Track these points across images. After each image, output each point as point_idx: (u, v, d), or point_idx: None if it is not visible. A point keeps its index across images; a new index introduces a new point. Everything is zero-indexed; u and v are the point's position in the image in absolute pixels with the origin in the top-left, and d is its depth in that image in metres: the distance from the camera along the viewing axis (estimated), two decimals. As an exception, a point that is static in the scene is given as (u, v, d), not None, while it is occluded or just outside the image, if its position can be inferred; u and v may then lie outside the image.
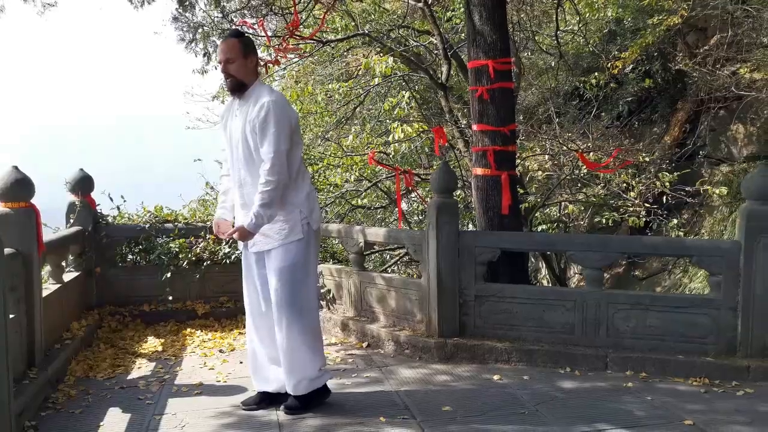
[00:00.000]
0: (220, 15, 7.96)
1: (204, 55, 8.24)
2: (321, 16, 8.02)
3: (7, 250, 3.45)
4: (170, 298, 5.85)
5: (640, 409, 3.55)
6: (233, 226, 3.50)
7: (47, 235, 4.66)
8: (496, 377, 4.14)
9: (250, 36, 4.58)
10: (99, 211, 5.88)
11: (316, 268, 3.70)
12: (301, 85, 10.12)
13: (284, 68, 10.04)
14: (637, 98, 9.73)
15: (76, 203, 5.60)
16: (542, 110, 9.88)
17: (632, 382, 4.01)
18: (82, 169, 5.75)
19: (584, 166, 7.88)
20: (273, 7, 7.92)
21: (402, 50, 8.55)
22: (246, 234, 3.38)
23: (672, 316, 4.26)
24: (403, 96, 8.74)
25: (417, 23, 9.53)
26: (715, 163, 8.93)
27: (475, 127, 5.21)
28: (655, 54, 9.37)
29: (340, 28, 9.02)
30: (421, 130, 8.87)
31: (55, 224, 5.49)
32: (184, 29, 8.08)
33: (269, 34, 7.85)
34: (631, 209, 7.92)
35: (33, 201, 4.01)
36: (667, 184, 7.73)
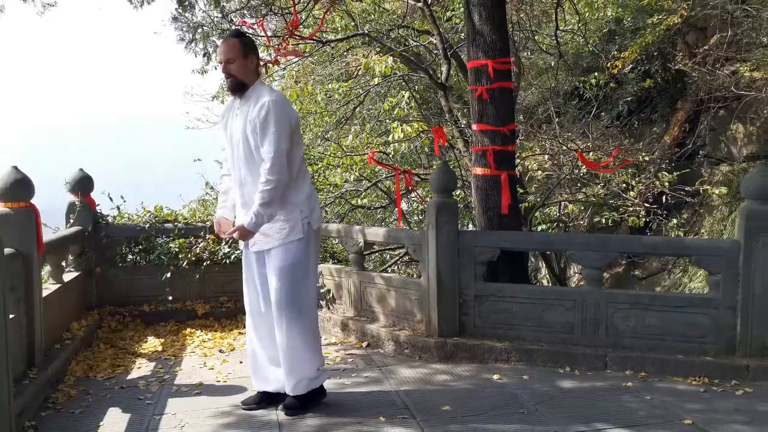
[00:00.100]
0: (220, 15, 7.96)
1: (204, 55, 8.24)
2: (320, 16, 8.02)
3: (7, 250, 3.46)
4: (170, 298, 5.85)
5: (640, 409, 3.56)
6: (234, 226, 3.50)
7: (47, 235, 4.66)
8: (495, 377, 4.14)
9: (251, 36, 4.57)
10: (99, 211, 5.88)
11: (316, 268, 3.70)
12: (300, 85, 10.13)
13: (284, 68, 10.04)
14: (636, 98, 9.73)
15: (76, 203, 5.60)
16: (542, 110, 9.89)
17: (632, 381, 4.02)
18: (81, 169, 5.75)
19: (584, 166, 7.89)
20: (272, 7, 7.92)
21: (402, 50, 8.55)
22: (246, 233, 3.39)
23: (671, 315, 4.26)
24: (403, 96, 8.74)
25: (417, 23, 9.53)
26: (714, 162, 8.94)
27: (474, 126, 5.22)
28: (655, 54, 9.37)
29: (339, 28, 9.03)
30: (420, 129, 8.88)
31: (55, 224, 5.50)
32: (184, 29, 8.09)
33: (269, 34, 7.86)
34: (631, 209, 7.93)
35: (33, 201, 4.01)
36: (667, 183, 7.74)
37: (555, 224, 9.14)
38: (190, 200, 7.81)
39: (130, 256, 6.01)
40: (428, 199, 7.26)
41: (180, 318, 5.79)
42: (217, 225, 3.64)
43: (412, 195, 9.55)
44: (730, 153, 8.80)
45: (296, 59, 9.26)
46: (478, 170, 5.16)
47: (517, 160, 7.37)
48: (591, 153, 8.08)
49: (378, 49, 8.80)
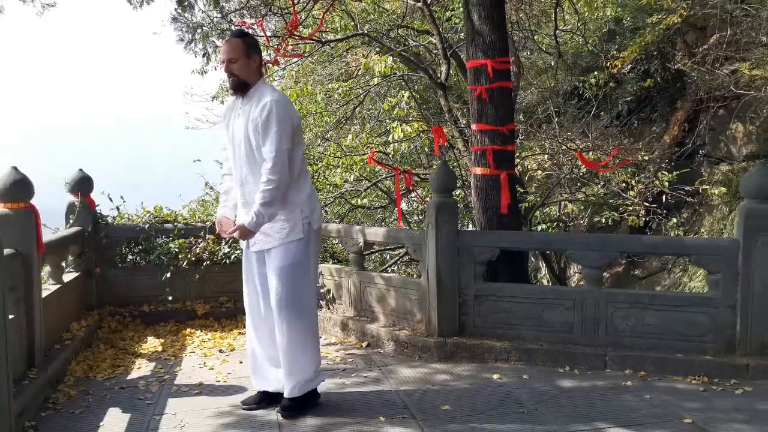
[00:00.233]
0: (219, 15, 7.96)
1: (203, 55, 8.24)
2: (320, 16, 8.02)
3: (6, 251, 3.46)
4: (170, 298, 5.85)
5: (639, 408, 3.56)
6: (235, 225, 3.51)
7: (47, 236, 4.67)
8: (495, 376, 4.15)
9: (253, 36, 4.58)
10: (98, 211, 5.88)
11: (316, 268, 3.70)
12: (300, 85, 10.14)
13: (284, 68, 10.05)
14: (636, 97, 9.73)
15: (76, 204, 5.60)
16: (541, 110, 9.88)
17: (631, 380, 4.02)
18: (81, 170, 5.76)
19: (583, 166, 7.89)
20: (272, 8, 7.92)
21: (401, 50, 8.55)
22: (247, 232, 3.39)
23: (671, 314, 4.26)
24: (403, 96, 8.75)
25: (416, 23, 9.54)
26: (714, 162, 8.94)
27: (474, 126, 5.22)
28: (655, 53, 9.37)
29: (339, 28, 9.03)
30: (420, 129, 8.88)
31: (54, 225, 5.50)
32: (183, 29, 8.08)
33: (268, 34, 7.86)
34: (631, 208, 7.93)
35: (33, 201, 4.02)
36: (667, 183, 7.73)
37: (555, 224, 9.14)
38: (190, 200, 7.82)
39: (129, 257, 6.01)
40: (428, 198, 7.27)
41: (180, 318, 5.80)
42: (219, 224, 3.65)
43: (412, 195, 9.55)
44: (730, 152, 8.80)
45: (296, 59, 9.27)
46: (478, 170, 5.16)
47: (517, 160, 7.38)
48: (591, 152, 8.09)
49: (378, 49, 8.81)
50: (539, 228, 8.78)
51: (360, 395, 3.87)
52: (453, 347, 4.54)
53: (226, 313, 5.90)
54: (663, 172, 7.88)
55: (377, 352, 4.84)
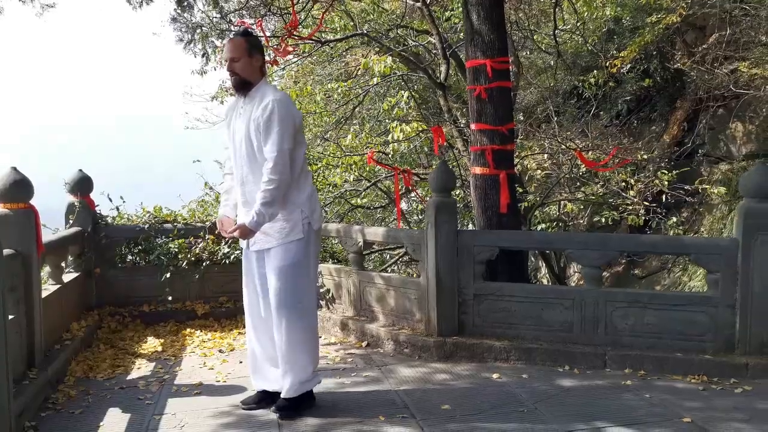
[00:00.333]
0: (219, 16, 7.97)
1: (203, 55, 8.25)
2: (319, 16, 8.03)
3: (6, 251, 3.46)
4: (170, 298, 5.86)
5: (639, 407, 3.56)
6: (236, 223, 3.51)
7: (47, 236, 4.67)
8: (495, 376, 4.15)
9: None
10: (98, 211, 5.88)
11: (316, 269, 3.70)
12: (300, 85, 10.14)
13: (283, 68, 10.06)
14: (635, 97, 9.74)
15: (76, 204, 5.60)
16: (541, 109, 9.89)
17: (631, 379, 4.02)
18: (81, 170, 5.76)
19: (583, 165, 7.89)
20: (271, 8, 7.93)
21: (401, 50, 8.56)
22: (247, 231, 3.39)
23: (670, 313, 4.26)
24: (402, 95, 8.75)
25: (416, 23, 9.54)
26: (714, 161, 8.94)
27: (473, 126, 5.22)
28: (654, 53, 9.37)
29: (338, 28, 9.03)
30: (420, 129, 8.89)
31: (54, 225, 5.50)
32: (183, 30, 8.09)
33: (267, 34, 7.86)
34: (630, 208, 7.93)
35: (32, 202, 4.02)
36: (666, 182, 7.73)
37: (554, 223, 9.14)
38: (190, 201, 7.82)
39: (129, 257, 6.02)
40: (427, 198, 7.28)
41: (180, 318, 5.80)
42: (220, 223, 3.64)
43: (412, 195, 9.56)
44: (729, 151, 8.81)
45: (295, 59, 9.28)
46: (477, 169, 5.16)
47: (517, 160, 7.38)
48: (590, 152, 8.08)
49: (377, 49, 8.81)
50: (539, 227, 8.78)
51: (360, 395, 3.87)
52: (452, 347, 4.54)
53: (226, 313, 5.90)
54: (662, 171, 7.89)
55: (377, 351, 4.84)
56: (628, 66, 9.29)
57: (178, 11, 7.91)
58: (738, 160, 8.54)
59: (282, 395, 3.55)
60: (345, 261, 6.44)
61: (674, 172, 7.86)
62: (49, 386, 3.92)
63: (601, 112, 9.70)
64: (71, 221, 5.58)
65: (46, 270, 4.92)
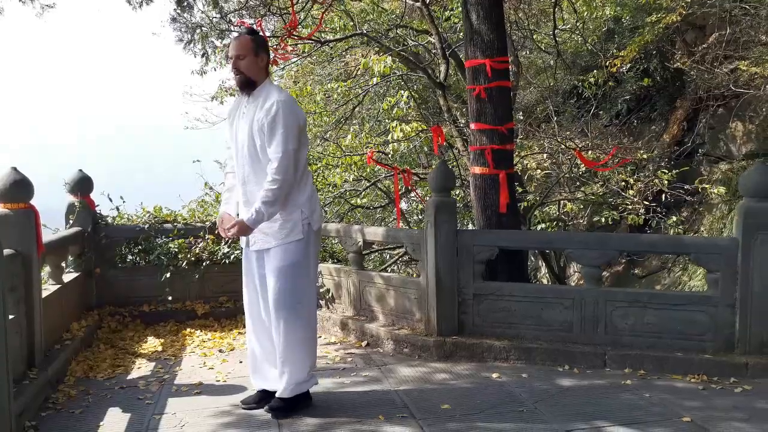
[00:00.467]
0: (218, 16, 7.97)
1: (202, 55, 8.26)
2: (319, 16, 8.03)
3: (6, 251, 3.46)
4: (170, 298, 5.86)
5: (639, 407, 3.56)
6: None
7: (47, 236, 4.67)
8: (494, 375, 4.15)
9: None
10: (98, 211, 5.88)
11: (316, 269, 3.70)
12: (299, 85, 10.14)
13: (282, 68, 10.06)
14: (635, 96, 9.74)
15: (76, 204, 5.60)
16: (541, 109, 9.90)
17: (630, 379, 4.02)
18: (81, 170, 5.76)
19: (583, 165, 7.89)
20: (271, 8, 7.93)
21: (400, 50, 8.56)
22: (245, 228, 3.38)
23: (670, 313, 4.26)
24: (402, 95, 8.75)
25: (415, 23, 9.54)
26: (714, 160, 8.95)
27: (472, 125, 5.22)
28: (654, 52, 9.38)
29: (338, 28, 9.03)
30: (419, 129, 8.89)
31: (54, 225, 5.51)
32: (183, 30, 8.10)
33: (267, 34, 7.86)
34: (630, 207, 7.94)
35: (32, 202, 4.02)
36: (666, 182, 7.74)
37: (554, 223, 9.14)
38: (190, 201, 7.82)
39: (129, 257, 6.01)
40: (427, 198, 7.28)
41: (180, 318, 5.80)
42: (220, 220, 3.63)
43: (411, 194, 9.56)
44: (729, 151, 8.81)
45: (295, 59, 9.28)
46: (477, 169, 5.17)
47: (516, 159, 7.38)
48: (590, 151, 8.09)
49: (377, 49, 8.81)
50: (538, 227, 8.78)
51: (359, 394, 3.87)
52: (452, 346, 4.54)
53: (226, 313, 5.90)
54: (662, 171, 7.89)
55: (377, 351, 4.84)
56: (628, 65, 9.30)
57: (178, 11, 7.92)
58: (738, 159, 8.54)
59: (277, 395, 3.55)
60: (345, 261, 6.44)
61: (674, 171, 7.87)
62: (49, 386, 3.92)
63: (601, 112, 9.71)
64: (71, 221, 5.58)
65: (46, 270, 4.92)
